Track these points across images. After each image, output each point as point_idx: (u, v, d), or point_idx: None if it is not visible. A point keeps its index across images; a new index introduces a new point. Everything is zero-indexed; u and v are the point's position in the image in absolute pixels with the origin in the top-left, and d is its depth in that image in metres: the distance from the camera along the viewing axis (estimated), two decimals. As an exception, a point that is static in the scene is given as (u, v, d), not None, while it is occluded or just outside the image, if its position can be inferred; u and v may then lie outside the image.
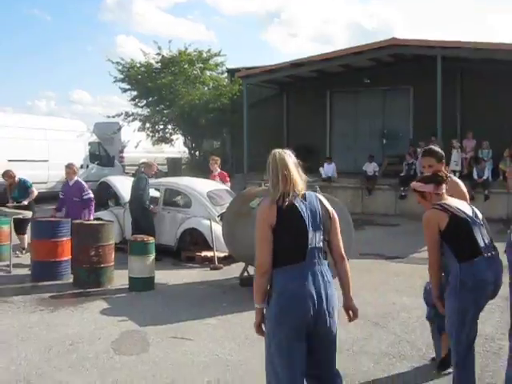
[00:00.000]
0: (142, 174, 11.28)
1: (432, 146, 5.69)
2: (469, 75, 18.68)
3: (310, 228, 3.43)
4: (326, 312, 3.42)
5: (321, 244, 3.49)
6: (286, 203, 3.41)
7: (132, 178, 13.95)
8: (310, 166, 20.96)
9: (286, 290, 3.39)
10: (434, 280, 4.48)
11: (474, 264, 4.24)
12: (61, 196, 10.38)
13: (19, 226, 10.84)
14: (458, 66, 18.35)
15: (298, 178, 3.53)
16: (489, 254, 4.31)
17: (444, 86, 17.06)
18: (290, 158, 3.56)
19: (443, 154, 5.30)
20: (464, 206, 4.47)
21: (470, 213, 4.40)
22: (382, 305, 7.60)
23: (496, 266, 4.33)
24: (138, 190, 10.76)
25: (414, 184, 4.66)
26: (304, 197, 3.51)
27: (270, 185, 3.53)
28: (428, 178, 4.58)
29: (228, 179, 12.79)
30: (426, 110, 18.39)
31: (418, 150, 17.52)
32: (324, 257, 3.53)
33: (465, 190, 5.08)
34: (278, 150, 3.59)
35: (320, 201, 3.60)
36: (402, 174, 17.78)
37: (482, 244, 4.30)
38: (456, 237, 4.32)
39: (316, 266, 3.44)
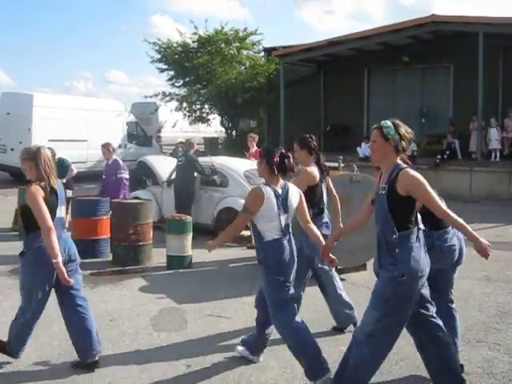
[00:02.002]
0: (188, 152, 11.25)
1: (304, 135, 6.02)
2: (511, 52, 18.20)
3: (60, 204, 4.89)
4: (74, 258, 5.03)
5: (63, 215, 4.96)
6: (49, 188, 4.78)
7: (170, 158, 14.05)
8: (347, 146, 21.04)
9: (43, 249, 4.67)
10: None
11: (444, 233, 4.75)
12: (103, 176, 10.50)
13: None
14: (501, 43, 17.87)
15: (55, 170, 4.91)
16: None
17: (486, 63, 16.65)
18: (51, 154, 5.00)
19: (307, 142, 5.84)
20: None
21: None
22: (419, 285, 7.54)
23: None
24: (193, 166, 10.87)
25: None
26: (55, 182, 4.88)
27: (37, 173, 4.80)
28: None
29: None
30: (467, 89, 17.99)
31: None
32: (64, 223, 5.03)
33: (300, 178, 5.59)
34: (43, 146, 4.97)
35: (64, 185, 5.20)
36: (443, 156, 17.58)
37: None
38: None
39: (61, 230, 4.87)
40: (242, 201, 10.42)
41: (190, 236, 8.63)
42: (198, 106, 24.33)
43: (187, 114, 24.26)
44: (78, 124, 19.11)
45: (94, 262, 8.86)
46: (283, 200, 4.72)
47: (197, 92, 23.66)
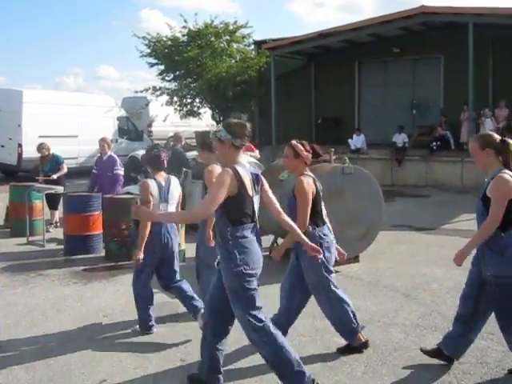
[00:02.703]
0: (176, 146, 11.26)
1: (203, 140, 6.37)
2: (501, 42, 18.24)
3: None
4: None
5: None
6: None
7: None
8: (339, 138, 21.01)
9: None
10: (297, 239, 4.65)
11: (322, 229, 5.03)
12: (93, 171, 10.41)
13: (51, 201, 11.00)
14: (491, 33, 17.89)
15: None
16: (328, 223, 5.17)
17: (476, 53, 16.68)
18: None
19: (206, 144, 5.99)
20: (318, 183, 5.15)
21: (320, 188, 5.15)
22: (412, 276, 7.57)
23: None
24: (179, 160, 10.88)
25: (298, 146, 5.04)
26: None
27: None
28: (311, 149, 5.10)
29: (254, 148, 12.73)
30: (457, 79, 18.03)
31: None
32: None
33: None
34: None
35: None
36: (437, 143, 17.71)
37: (324, 214, 5.13)
38: (313, 207, 4.99)
39: None
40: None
41: (182, 230, 8.61)
42: (189, 100, 24.22)
43: (178, 108, 24.15)
44: (68, 120, 19.02)
45: (86, 257, 8.84)
46: (165, 191, 5.65)
47: (187, 86, 23.55)
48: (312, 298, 5.23)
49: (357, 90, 22.04)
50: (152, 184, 5.63)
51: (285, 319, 5.14)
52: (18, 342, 5.42)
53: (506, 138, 4.57)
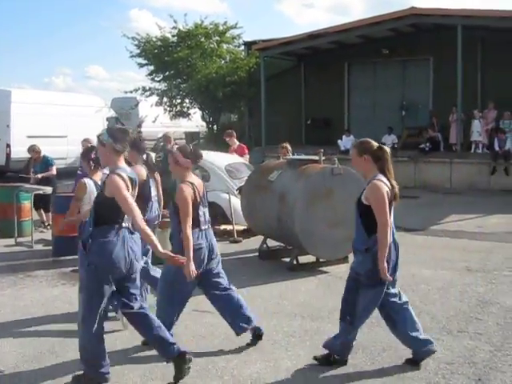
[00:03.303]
0: (166, 147, 11.28)
1: (134, 137, 6.37)
2: (490, 44, 18.32)
3: None
4: None
5: None
6: None
7: (151, 153, 13.96)
8: (328, 139, 20.94)
9: None
10: (187, 243, 4.85)
11: (193, 233, 4.96)
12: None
13: (41, 202, 10.93)
14: (479, 35, 17.98)
15: None
16: (205, 227, 5.14)
17: (465, 55, 16.75)
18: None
19: (136, 143, 6.12)
20: (201, 188, 5.22)
21: (202, 193, 5.16)
22: (401, 277, 7.53)
23: (210, 236, 5.21)
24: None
25: (176, 154, 5.11)
26: None
27: None
28: (190, 154, 5.11)
29: (246, 152, 12.70)
30: (446, 81, 18.10)
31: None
32: None
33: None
34: None
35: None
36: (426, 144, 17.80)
37: (202, 219, 5.11)
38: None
39: None
40: (225, 195, 10.58)
41: (172, 231, 8.57)
42: (179, 101, 24.22)
43: (168, 108, 24.14)
44: (57, 120, 18.90)
45: (75, 258, 8.72)
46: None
47: (177, 86, 23.54)
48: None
49: (346, 91, 22.07)
50: (89, 183, 6.21)
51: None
52: (6, 344, 5.39)
53: (383, 145, 4.88)
